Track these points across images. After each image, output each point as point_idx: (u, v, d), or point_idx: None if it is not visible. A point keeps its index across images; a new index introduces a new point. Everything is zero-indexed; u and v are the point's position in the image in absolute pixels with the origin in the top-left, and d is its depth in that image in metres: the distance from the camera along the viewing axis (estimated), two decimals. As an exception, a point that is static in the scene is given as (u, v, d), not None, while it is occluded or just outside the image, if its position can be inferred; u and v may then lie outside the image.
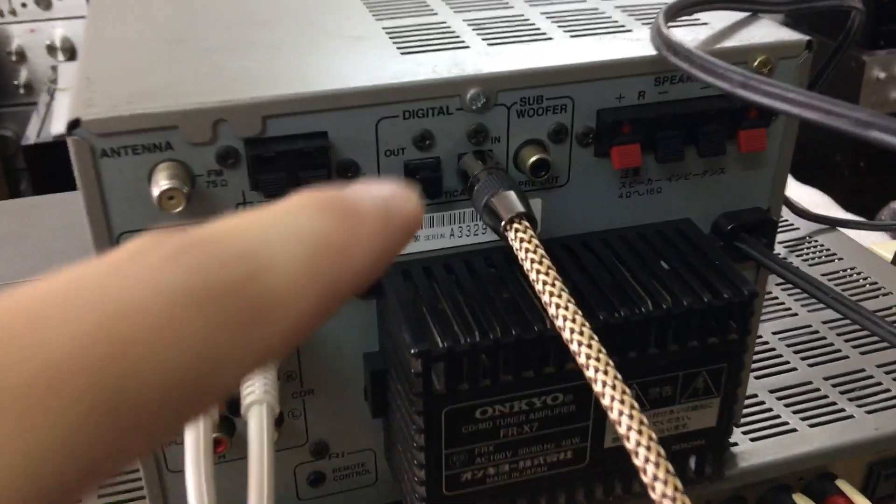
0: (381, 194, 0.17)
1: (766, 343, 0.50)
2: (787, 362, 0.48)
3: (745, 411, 0.44)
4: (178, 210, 0.29)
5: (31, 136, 1.25)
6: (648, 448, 0.22)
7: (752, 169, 0.36)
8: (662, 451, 0.22)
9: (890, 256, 0.62)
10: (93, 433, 0.12)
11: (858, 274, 0.56)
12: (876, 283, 0.55)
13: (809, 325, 0.51)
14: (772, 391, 0.46)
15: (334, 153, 0.31)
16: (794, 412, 0.45)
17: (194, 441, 0.27)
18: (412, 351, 0.30)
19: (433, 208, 0.33)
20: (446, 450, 0.32)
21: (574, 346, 0.25)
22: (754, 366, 0.47)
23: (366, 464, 0.38)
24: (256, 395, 0.29)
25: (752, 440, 0.42)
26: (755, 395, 0.45)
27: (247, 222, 0.16)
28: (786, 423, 0.44)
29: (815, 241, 0.61)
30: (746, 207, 0.37)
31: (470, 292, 0.32)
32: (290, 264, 0.15)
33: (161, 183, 0.29)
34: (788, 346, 0.50)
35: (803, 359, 0.49)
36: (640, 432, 0.22)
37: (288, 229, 0.16)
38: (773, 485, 0.42)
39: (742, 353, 0.33)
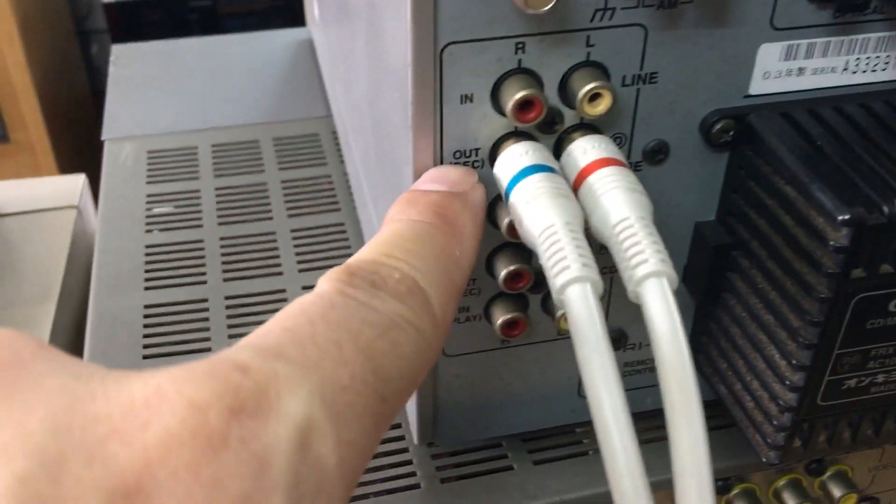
0: (460, 189, 0.23)
1: None
2: None
3: None
4: (546, 8, 0.21)
5: (109, -5, 1.17)
6: None
7: None
8: None
9: None
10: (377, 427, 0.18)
11: None
12: None
13: None
14: None
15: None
16: None
17: (587, 314, 0.20)
18: (839, 217, 0.22)
19: (828, 31, 0.25)
20: (839, 349, 0.24)
21: None
22: None
23: (662, 358, 0.31)
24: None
25: None
26: None
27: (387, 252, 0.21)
28: None
29: None
30: None
31: (887, 144, 0.24)
32: (437, 285, 0.20)
33: (524, -32, 0.20)
34: None
35: None
36: None
37: (423, 254, 0.21)
38: None
39: None
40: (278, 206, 0.46)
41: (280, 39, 0.62)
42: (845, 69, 0.25)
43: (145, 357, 0.37)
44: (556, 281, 0.20)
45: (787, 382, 0.25)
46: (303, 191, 0.47)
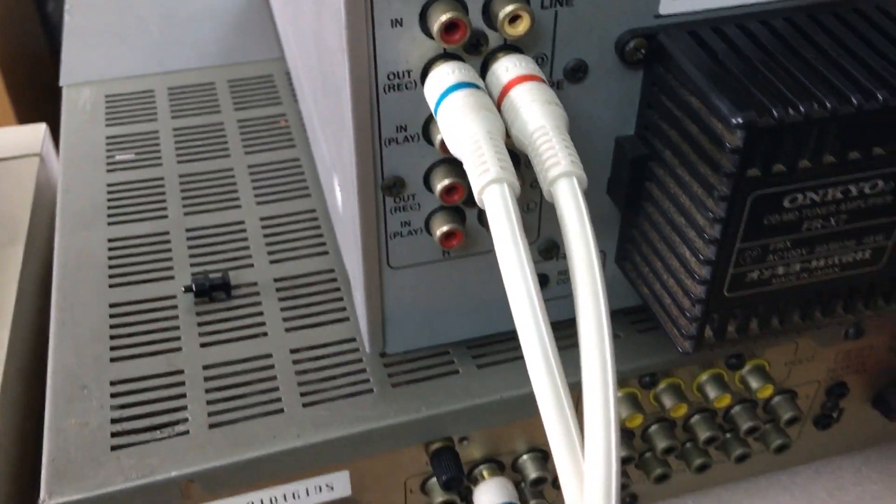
0: None
1: None
2: None
3: None
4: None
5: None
6: None
7: None
8: None
9: None
10: None
11: None
12: None
13: None
14: None
15: None
16: None
17: (507, 223, 0.22)
18: (733, 121, 0.24)
19: (730, -46, 0.27)
20: (741, 244, 0.27)
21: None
22: None
23: (593, 267, 0.34)
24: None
25: None
26: None
27: None
28: None
29: None
30: None
31: (783, 57, 0.26)
32: None
33: None
34: None
35: None
36: None
37: None
38: None
39: None
40: (235, 145, 0.48)
41: (232, -16, 0.63)
42: (746, -11, 0.28)
43: (111, 286, 0.39)
44: (476, 183, 0.23)
45: (696, 276, 0.28)
46: (258, 129, 0.49)
